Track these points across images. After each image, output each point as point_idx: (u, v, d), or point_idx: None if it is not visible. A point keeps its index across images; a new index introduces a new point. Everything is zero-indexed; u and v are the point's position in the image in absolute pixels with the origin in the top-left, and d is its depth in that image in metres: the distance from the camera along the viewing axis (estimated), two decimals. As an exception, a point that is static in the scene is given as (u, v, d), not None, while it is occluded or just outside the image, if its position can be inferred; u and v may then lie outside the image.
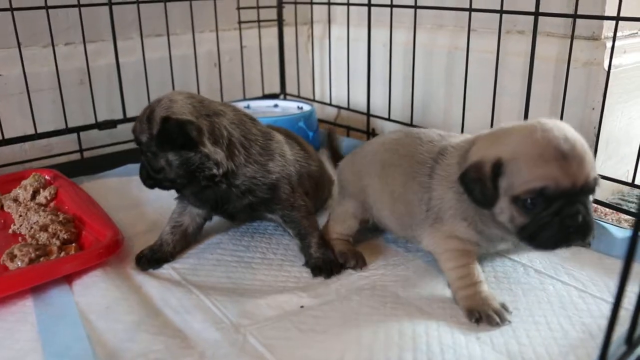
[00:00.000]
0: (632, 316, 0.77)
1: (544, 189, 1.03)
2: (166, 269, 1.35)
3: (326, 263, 1.33)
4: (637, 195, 1.81)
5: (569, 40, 1.63)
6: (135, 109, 2.18)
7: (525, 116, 1.70)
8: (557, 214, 1.04)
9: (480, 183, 1.10)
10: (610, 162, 1.82)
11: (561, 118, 1.68)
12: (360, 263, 1.35)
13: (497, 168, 1.08)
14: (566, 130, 1.07)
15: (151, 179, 1.36)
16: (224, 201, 1.38)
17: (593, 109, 1.73)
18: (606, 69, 1.66)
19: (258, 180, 1.36)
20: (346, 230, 1.44)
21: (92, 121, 2.09)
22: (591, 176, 1.04)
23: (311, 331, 1.09)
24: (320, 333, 1.09)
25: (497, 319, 1.10)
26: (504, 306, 1.13)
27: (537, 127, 1.07)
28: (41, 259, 1.32)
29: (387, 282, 1.28)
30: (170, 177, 1.32)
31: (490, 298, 1.14)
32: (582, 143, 1.06)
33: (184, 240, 1.44)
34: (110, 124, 2.10)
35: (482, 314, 1.11)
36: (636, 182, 1.55)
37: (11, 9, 1.82)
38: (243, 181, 1.35)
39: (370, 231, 1.51)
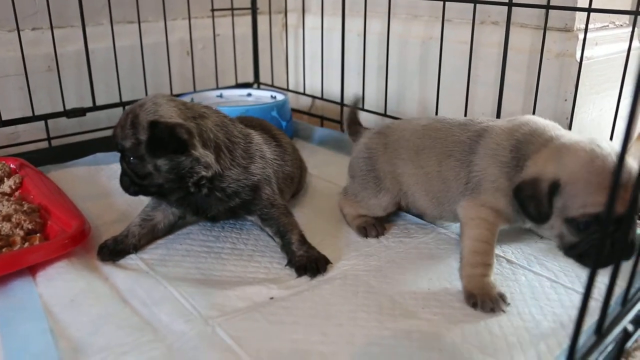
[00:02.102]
0: (602, 307, 0.77)
1: (600, 214, 1.05)
2: (134, 260, 1.32)
3: (311, 261, 1.27)
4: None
5: (542, 32, 1.63)
6: (104, 97, 2.15)
7: (499, 106, 1.70)
8: (609, 237, 1.05)
9: (535, 200, 1.13)
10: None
11: (534, 108, 1.68)
12: (380, 230, 1.44)
13: (554, 188, 1.11)
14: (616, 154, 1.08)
15: (135, 186, 1.31)
16: (206, 205, 1.36)
17: (565, 100, 1.74)
18: (578, 60, 1.66)
19: (242, 182, 1.35)
20: (371, 215, 1.49)
21: (61, 109, 2.04)
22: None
23: (280, 323, 1.08)
24: (289, 324, 1.07)
25: (492, 307, 1.11)
26: (502, 296, 1.14)
27: (597, 152, 1.09)
28: (3, 250, 1.28)
29: (359, 272, 1.27)
30: (157, 182, 1.28)
31: (491, 285, 1.16)
32: (631, 168, 1.07)
33: (151, 235, 1.41)
34: (79, 112, 2.05)
35: (479, 299, 1.13)
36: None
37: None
38: (229, 184, 1.33)
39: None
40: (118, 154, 1.52)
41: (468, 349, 1.00)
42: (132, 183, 1.31)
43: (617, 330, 0.80)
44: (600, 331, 0.79)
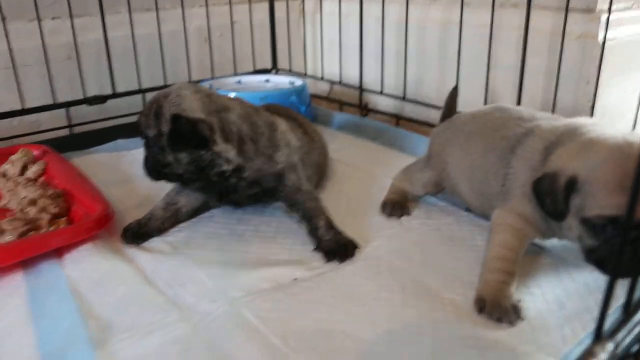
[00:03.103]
0: (629, 286, 0.76)
1: (617, 217, 0.97)
2: (158, 242, 1.34)
3: (339, 246, 1.27)
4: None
5: (564, 13, 1.61)
6: (124, 84, 2.16)
7: (520, 90, 1.69)
8: (630, 244, 0.96)
9: (552, 196, 1.06)
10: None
11: (555, 92, 1.67)
12: (406, 212, 1.45)
13: (571, 185, 1.03)
14: None
15: (157, 172, 1.33)
16: (230, 191, 1.37)
17: (587, 82, 1.72)
18: (601, 42, 1.64)
19: (265, 170, 1.36)
20: (408, 190, 1.51)
21: (81, 96, 2.06)
22: None
23: (304, 303, 1.09)
24: (313, 304, 1.08)
25: (499, 317, 1.03)
26: (515, 309, 1.05)
27: (622, 149, 0.99)
28: (31, 233, 1.30)
29: (381, 253, 1.27)
30: (177, 172, 1.30)
31: (507, 294, 1.07)
32: None
33: (174, 218, 1.42)
34: (100, 100, 2.08)
35: (487, 305, 1.05)
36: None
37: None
38: (250, 174, 1.34)
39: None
40: (138, 141, 1.54)
41: (492, 330, 1.00)
42: (153, 169, 1.33)
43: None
44: (628, 309, 0.79)
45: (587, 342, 0.92)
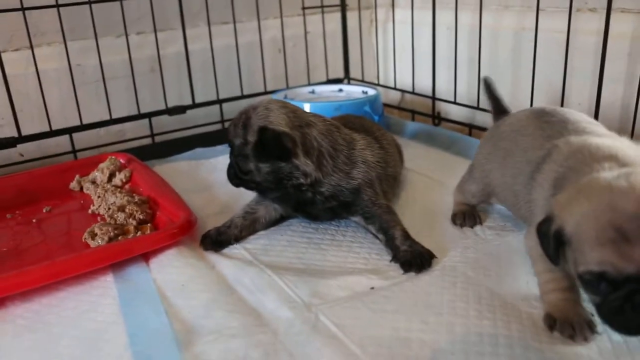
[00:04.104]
0: None
1: (603, 273, 0.88)
2: (238, 249, 1.39)
3: (416, 257, 1.27)
4: None
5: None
6: (203, 95, 2.25)
7: (598, 98, 1.65)
8: (628, 300, 0.87)
9: (546, 240, 0.99)
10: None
11: (637, 100, 1.62)
12: (475, 220, 1.46)
13: (559, 237, 0.95)
14: None
15: (238, 179, 1.41)
16: (306, 204, 1.42)
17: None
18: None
19: (342, 187, 1.40)
20: (466, 201, 1.51)
21: (163, 107, 2.16)
22: None
23: (382, 311, 1.11)
24: (390, 313, 1.10)
25: (572, 332, 1.00)
26: (590, 323, 1.01)
27: (608, 197, 0.89)
28: (119, 238, 1.38)
29: (456, 264, 1.28)
30: (256, 180, 1.37)
31: (576, 309, 1.03)
32: None
33: (252, 227, 1.47)
34: (180, 110, 2.17)
35: (558, 321, 1.02)
36: None
37: (89, 2, 1.92)
38: (327, 188, 1.39)
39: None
40: (216, 150, 1.59)
41: (570, 346, 0.99)
42: (235, 176, 1.41)
43: None
44: None
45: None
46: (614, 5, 1.60)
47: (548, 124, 1.24)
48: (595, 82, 1.66)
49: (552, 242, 0.96)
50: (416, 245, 1.32)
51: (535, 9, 1.81)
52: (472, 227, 1.45)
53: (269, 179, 1.36)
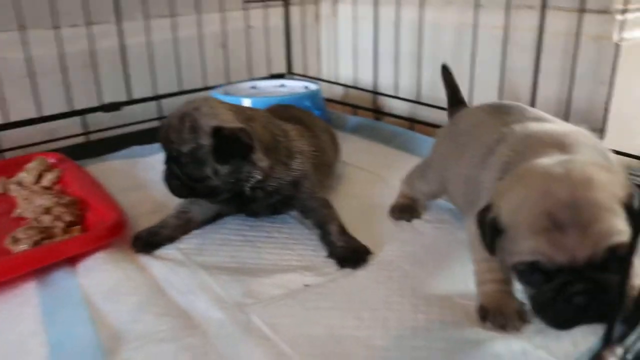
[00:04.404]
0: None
1: (535, 263, 0.86)
2: (170, 249, 1.34)
3: (352, 253, 1.27)
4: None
5: (579, 14, 1.59)
6: (140, 91, 2.18)
7: (534, 92, 1.67)
8: (561, 291, 0.86)
9: (482, 228, 0.97)
10: (620, 138, 1.79)
11: (570, 93, 1.65)
12: (416, 215, 1.45)
13: (494, 226, 0.93)
14: (582, 183, 0.85)
15: (188, 189, 1.31)
16: (250, 201, 1.37)
17: (602, 83, 1.70)
18: (616, 43, 1.62)
19: (283, 180, 1.36)
20: (411, 195, 1.49)
21: (97, 104, 2.08)
22: (600, 248, 0.82)
23: (316, 309, 1.08)
24: (325, 310, 1.08)
25: (503, 323, 1.00)
26: (520, 314, 1.01)
27: (542, 183, 0.88)
28: (44, 241, 1.31)
29: (393, 258, 1.27)
30: (213, 185, 1.29)
31: (508, 301, 1.03)
32: (594, 204, 0.83)
33: (186, 227, 1.41)
34: (115, 106, 2.09)
35: (489, 313, 1.02)
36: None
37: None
38: (271, 183, 1.35)
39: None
40: (153, 147, 1.51)
41: (503, 336, 0.99)
42: (183, 186, 1.31)
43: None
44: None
45: (597, 343, 0.92)
46: (550, 3, 1.62)
47: (507, 114, 1.20)
48: (532, 76, 1.68)
49: (489, 231, 0.94)
50: (352, 241, 1.30)
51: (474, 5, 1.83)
52: (409, 220, 1.44)
53: (229, 181, 1.29)
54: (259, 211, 1.42)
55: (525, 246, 0.87)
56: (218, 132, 1.25)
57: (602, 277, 0.84)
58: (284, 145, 1.38)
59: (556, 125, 1.11)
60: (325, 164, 1.55)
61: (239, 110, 1.34)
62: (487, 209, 0.95)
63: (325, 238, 1.33)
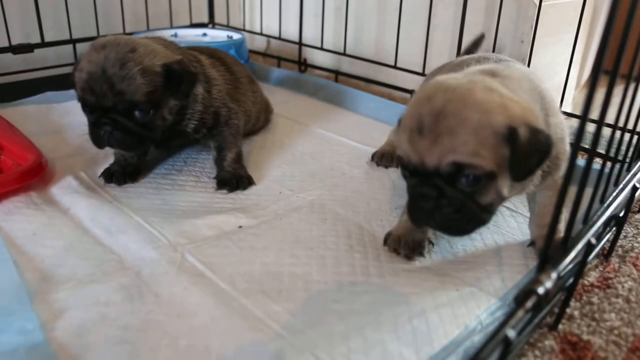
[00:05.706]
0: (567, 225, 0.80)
1: (401, 159, 0.92)
2: (96, 193, 1.29)
3: (234, 177, 1.32)
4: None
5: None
6: (53, 33, 2.05)
7: (459, 48, 1.72)
8: (411, 190, 0.92)
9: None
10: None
11: (493, 50, 1.71)
12: (394, 164, 1.47)
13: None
14: (461, 99, 0.85)
15: (138, 140, 1.22)
16: (178, 136, 1.36)
17: (522, 41, 1.77)
18: (537, 2, 1.68)
19: (207, 111, 1.35)
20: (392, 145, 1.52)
21: (6, 44, 1.94)
22: (445, 160, 0.84)
23: (251, 248, 1.08)
24: (260, 250, 1.08)
25: (396, 247, 1.07)
26: (417, 244, 1.07)
27: (430, 89, 0.89)
28: (-43, 185, 1.23)
29: (325, 202, 1.28)
30: (158, 124, 1.23)
31: (412, 231, 1.08)
32: (458, 120, 0.83)
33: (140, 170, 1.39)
34: (26, 48, 1.96)
35: (390, 237, 1.09)
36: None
37: None
38: (198, 114, 1.34)
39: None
40: (69, 92, 1.42)
41: (435, 272, 1.03)
42: (137, 138, 1.22)
43: (582, 243, 0.84)
44: (567, 244, 0.82)
45: (525, 281, 0.97)
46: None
47: (479, 62, 1.17)
48: (457, 32, 1.72)
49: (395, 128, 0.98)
50: (241, 170, 1.36)
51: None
52: (386, 167, 1.48)
53: (178, 119, 1.28)
54: (183, 145, 1.42)
55: (397, 141, 0.92)
56: (168, 69, 1.21)
57: (449, 190, 0.86)
58: (199, 71, 1.36)
59: (514, 65, 1.11)
60: (240, 98, 1.53)
61: (165, 44, 1.30)
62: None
63: (218, 161, 1.37)
